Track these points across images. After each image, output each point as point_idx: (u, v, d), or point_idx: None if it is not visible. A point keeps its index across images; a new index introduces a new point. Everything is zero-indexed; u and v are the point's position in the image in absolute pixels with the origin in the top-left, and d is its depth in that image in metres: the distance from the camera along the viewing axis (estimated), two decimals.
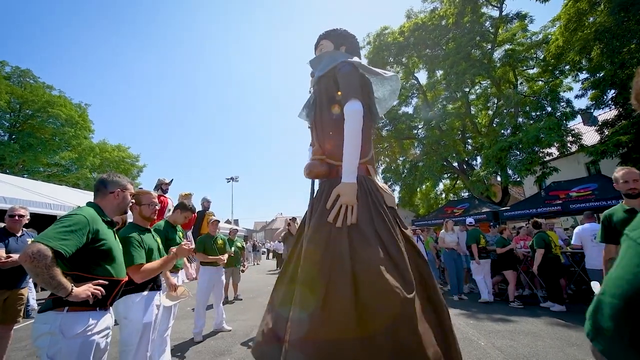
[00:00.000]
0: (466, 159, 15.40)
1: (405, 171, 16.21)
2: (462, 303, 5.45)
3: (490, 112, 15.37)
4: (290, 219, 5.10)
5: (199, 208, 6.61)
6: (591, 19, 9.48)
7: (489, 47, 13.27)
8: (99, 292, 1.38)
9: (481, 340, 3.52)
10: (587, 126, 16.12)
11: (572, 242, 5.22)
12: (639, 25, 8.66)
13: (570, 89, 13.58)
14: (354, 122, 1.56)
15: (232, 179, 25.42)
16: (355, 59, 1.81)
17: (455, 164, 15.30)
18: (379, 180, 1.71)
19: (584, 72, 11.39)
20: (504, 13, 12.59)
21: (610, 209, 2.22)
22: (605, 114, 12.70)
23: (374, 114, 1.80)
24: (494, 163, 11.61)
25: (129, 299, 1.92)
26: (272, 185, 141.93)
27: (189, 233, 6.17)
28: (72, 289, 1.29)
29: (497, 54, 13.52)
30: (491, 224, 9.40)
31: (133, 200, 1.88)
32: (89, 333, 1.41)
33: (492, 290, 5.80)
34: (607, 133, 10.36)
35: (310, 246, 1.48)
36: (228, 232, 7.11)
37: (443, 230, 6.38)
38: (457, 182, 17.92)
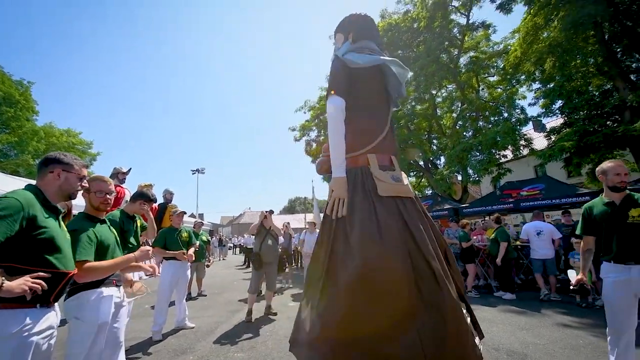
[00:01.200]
0: (431, 158, 16.18)
1: None
2: None
3: (454, 115, 16.26)
4: (267, 212, 4.96)
5: (160, 200, 6.22)
6: (546, 33, 10.34)
7: (456, 52, 13.96)
8: (38, 286, 1.19)
9: None
10: (537, 132, 17.75)
11: (520, 236, 5.78)
12: (585, 42, 9.63)
13: (524, 97, 14.81)
14: (330, 119, 1.61)
15: (197, 170, 24.23)
16: (360, 44, 1.77)
17: (422, 163, 15.99)
18: (385, 168, 1.64)
19: (536, 82, 12.47)
20: (470, 21, 13.29)
21: (590, 202, 2.30)
22: (553, 122, 14.04)
23: (369, 101, 1.73)
24: (456, 163, 12.32)
25: (82, 296, 1.71)
26: (241, 179, 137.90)
27: None
28: (2, 283, 1.10)
29: (463, 60, 14.31)
30: (450, 219, 9.99)
31: (85, 185, 1.65)
32: (26, 334, 1.23)
33: None
34: (553, 139, 11.42)
35: (316, 246, 1.60)
36: (192, 226, 6.76)
37: None
38: (422, 180, 18.78)
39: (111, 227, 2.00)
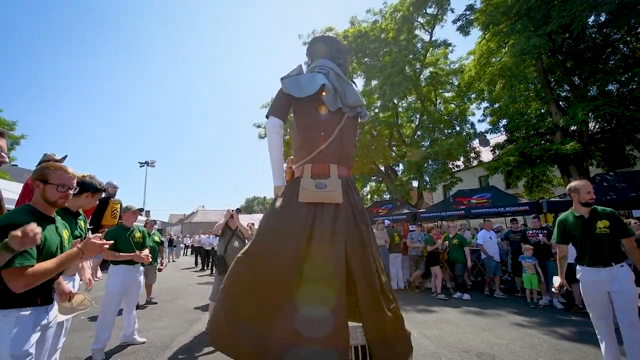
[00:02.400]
0: (391, 165, 16.88)
1: None
2: None
3: (413, 125, 17.22)
4: (233, 211, 4.57)
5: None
6: (497, 58, 11.48)
7: (419, 66, 14.80)
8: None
9: (413, 331, 3.75)
10: (482, 147, 19.70)
11: (478, 242, 6.28)
12: (528, 70, 10.87)
13: (473, 114, 16.28)
14: (268, 136, 2.02)
15: (146, 163, 21.93)
16: (315, 63, 2.19)
17: (382, 168, 16.58)
18: (318, 177, 1.96)
19: (485, 101, 13.81)
20: (433, 38, 14.20)
21: (563, 215, 2.58)
22: (496, 138, 15.66)
23: (310, 117, 2.06)
24: (415, 170, 13.01)
25: None
26: (194, 176, 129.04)
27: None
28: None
29: (424, 74, 15.24)
30: (410, 223, 10.48)
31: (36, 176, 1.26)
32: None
33: (414, 284, 6.54)
34: (498, 153, 12.71)
35: None
36: (143, 224, 6.01)
37: (374, 229, 6.76)
38: (382, 185, 19.50)
39: (59, 228, 1.58)
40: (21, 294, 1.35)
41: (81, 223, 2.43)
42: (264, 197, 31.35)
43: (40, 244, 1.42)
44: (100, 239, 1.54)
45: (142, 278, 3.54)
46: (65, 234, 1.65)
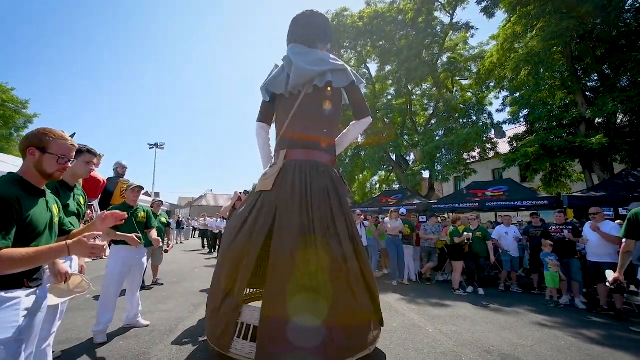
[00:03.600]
0: (402, 154, 16.43)
1: (348, 158, 16.45)
2: (402, 288, 5.63)
3: (427, 114, 16.61)
4: (241, 193, 4.40)
5: (111, 174, 5.38)
6: (523, 43, 10.77)
7: (436, 51, 14.10)
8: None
9: (428, 326, 3.55)
10: (498, 138, 19.00)
11: (492, 236, 5.98)
12: (561, 55, 10.16)
13: (491, 103, 15.55)
14: (257, 139, 2.86)
15: (156, 145, 21.91)
16: (282, 60, 2.80)
17: (393, 157, 16.17)
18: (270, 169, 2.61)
19: (505, 90, 13.12)
20: (454, 21, 13.43)
21: (637, 209, 2.44)
22: (513, 130, 15.00)
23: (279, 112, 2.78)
24: (428, 159, 12.59)
25: None
26: (203, 159, 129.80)
27: (96, 202, 4.89)
28: None
29: (441, 60, 14.53)
30: (421, 215, 10.19)
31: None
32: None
33: (426, 276, 6.34)
34: (516, 145, 12.15)
35: None
36: (150, 205, 5.89)
37: (388, 218, 6.50)
38: (391, 174, 19.11)
39: (49, 203, 1.38)
40: (6, 275, 1.16)
41: (80, 199, 2.24)
42: None
43: (27, 219, 1.22)
44: (93, 240, 1.27)
45: (145, 259, 3.38)
46: (55, 209, 1.45)
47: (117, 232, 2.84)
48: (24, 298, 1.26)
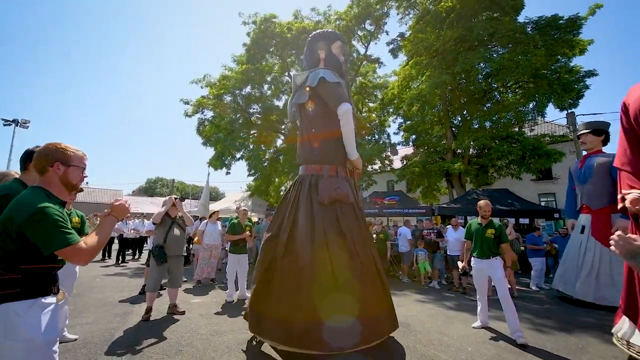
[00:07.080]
0: None
1: (267, 162, 16.79)
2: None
3: None
4: (176, 198, 4.35)
5: None
6: (416, 84, 13.64)
7: (353, 75, 16.11)
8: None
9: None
10: (392, 155, 22.93)
11: (399, 235, 7.59)
12: (440, 99, 13.27)
13: (389, 126, 18.78)
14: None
15: (15, 122, 16.82)
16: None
17: None
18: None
19: (400, 117, 16.19)
20: (368, 52, 15.70)
21: (471, 221, 3.70)
22: (407, 150, 18.55)
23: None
24: None
25: (7, 310, 1.24)
26: (84, 145, 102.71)
27: None
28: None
29: (355, 84, 16.69)
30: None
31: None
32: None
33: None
34: (406, 163, 15.17)
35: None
36: None
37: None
38: None
39: (71, 215, 1.52)
40: (40, 283, 1.34)
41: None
42: (173, 179, 28.20)
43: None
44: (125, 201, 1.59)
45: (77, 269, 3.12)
46: (75, 220, 1.57)
47: None
48: (54, 303, 1.41)
